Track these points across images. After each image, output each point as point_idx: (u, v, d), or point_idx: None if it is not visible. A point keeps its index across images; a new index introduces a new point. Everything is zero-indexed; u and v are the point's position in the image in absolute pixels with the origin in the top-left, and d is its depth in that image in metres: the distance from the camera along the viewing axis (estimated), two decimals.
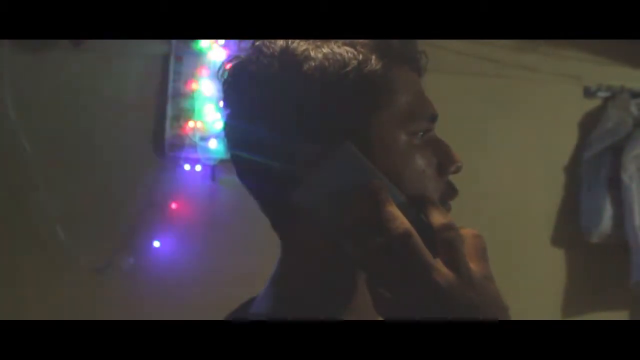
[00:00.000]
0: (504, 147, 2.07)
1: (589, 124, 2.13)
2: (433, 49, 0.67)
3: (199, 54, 1.87)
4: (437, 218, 0.55)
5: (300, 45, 0.60)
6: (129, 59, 1.87)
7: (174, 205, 1.87)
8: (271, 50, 0.60)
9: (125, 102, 1.87)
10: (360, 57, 0.59)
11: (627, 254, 2.01)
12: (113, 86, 1.86)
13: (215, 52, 1.86)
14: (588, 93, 2.13)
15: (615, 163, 2.04)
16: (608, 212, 2.03)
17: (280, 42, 0.60)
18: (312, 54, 0.59)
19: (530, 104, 2.09)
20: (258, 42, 0.62)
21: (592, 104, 2.14)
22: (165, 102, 1.86)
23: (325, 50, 0.59)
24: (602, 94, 2.12)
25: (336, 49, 0.59)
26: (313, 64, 0.59)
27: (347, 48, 0.60)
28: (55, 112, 1.83)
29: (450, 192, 0.64)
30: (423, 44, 0.66)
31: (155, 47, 1.87)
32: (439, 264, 0.52)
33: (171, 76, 1.86)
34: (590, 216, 2.05)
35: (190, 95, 1.86)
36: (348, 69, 0.59)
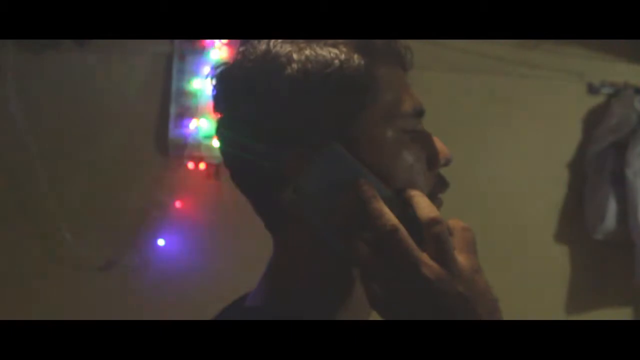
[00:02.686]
0: (508, 144, 2.07)
1: (592, 120, 2.13)
2: (435, 46, 0.67)
3: (202, 53, 1.87)
4: (425, 212, 0.55)
5: (283, 49, 0.60)
6: (133, 58, 1.87)
7: (178, 204, 1.88)
8: (254, 55, 0.61)
9: (128, 101, 1.87)
10: (343, 56, 0.60)
11: (631, 251, 2.01)
12: (116, 85, 1.87)
13: (218, 50, 1.86)
14: (591, 90, 2.13)
15: (619, 159, 2.03)
16: (612, 208, 2.02)
17: (263, 47, 0.61)
18: (295, 56, 0.60)
19: (533, 101, 2.09)
20: (242, 47, 0.63)
21: (596, 100, 2.14)
22: (168, 101, 1.86)
23: (308, 52, 0.60)
24: (606, 91, 2.12)
25: (318, 50, 0.60)
26: (296, 66, 0.59)
27: (330, 49, 0.60)
28: (59, 111, 1.84)
29: (441, 185, 0.64)
30: (425, 42, 0.66)
31: (158, 46, 1.87)
32: (427, 259, 0.53)
33: (174, 75, 1.86)
34: (594, 213, 2.05)
35: (194, 94, 1.87)
36: (330, 69, 0.59)
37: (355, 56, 0.60)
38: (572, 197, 2.13)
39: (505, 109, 2.06)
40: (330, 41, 0.61)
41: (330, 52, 0.60)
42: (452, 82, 1.98)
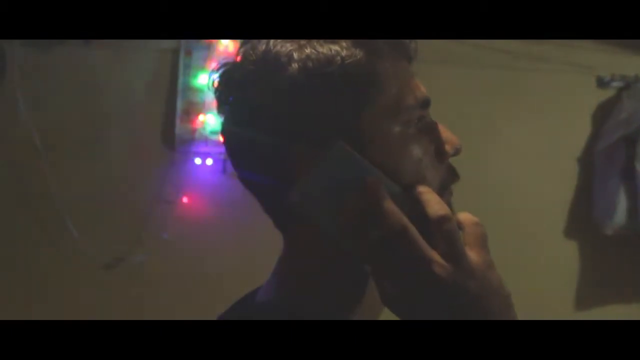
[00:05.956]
0: (517, 139, 2.06)
1: (602, 114, 2.11)
2: (444, 41, 0.66)
3: (208, 48, 1.87)
4: (434, 210, 0.54)
5: (283, 48, 0.60)
6: (139, 53, 1.87)
7: (185, 200, 1.88)
8: (254, 56, 0.61)
9: (135, 96, 1.88)
10: (344, 52, 0.59)
11: None
12: (123, 81, 1.87)
13: (224, 45, 1.86)
14: (601, 83, 2.11)
15: (629, 154, 2.02)
16: (622, 203, 2.01)
17: (263, 47, 0.60)
18: (295, 55, 0.59)
19: (542, 95, 2.07)
20: (242, 49, 0.62)
21: (606, 94, 2.12)
22: (175, 96, 1.86)
23: (308, 50, 0.59)
24: (616, 84, 2.10)
25: (319, 48, 0.59)
26: (296, 65, 0.58)
27: (330, 46, 0.59)
28: (66, 108, 1.84)
29: (451, 176, 0.63)
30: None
31: (164, 41, 1.87)
32: (438, 257, 0.52)
33: (181, 70, 1.86)
34: (604, 208, 2.04)
35: (200, 89, 1.87)
36: (332, 67, 0.58)
37: (357, 51, 0.59)
38: (581, 192, 2.12)
39: (514, 103, 2.05)
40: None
41: (331, 50, 0.59)
42: (460, 76, 1.97)
